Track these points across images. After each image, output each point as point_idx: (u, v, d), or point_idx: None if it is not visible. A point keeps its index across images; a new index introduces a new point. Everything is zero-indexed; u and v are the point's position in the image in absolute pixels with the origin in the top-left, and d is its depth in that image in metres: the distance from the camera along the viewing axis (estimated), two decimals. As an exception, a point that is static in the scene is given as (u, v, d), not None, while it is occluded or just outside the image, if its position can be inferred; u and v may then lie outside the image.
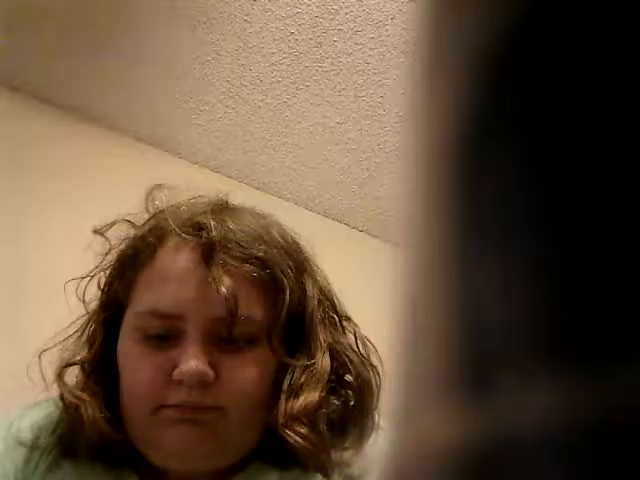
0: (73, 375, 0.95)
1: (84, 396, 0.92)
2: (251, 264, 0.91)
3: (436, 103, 0.22)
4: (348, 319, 0.99)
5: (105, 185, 2.27)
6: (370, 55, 2.04)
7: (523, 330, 0.18)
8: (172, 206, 0.98)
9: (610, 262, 0.18)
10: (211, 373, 0.87)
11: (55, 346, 0.96)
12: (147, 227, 0.96)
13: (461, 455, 0.19)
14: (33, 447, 0.93)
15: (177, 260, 0.91)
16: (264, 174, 2.40)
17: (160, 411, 0.88)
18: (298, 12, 1.99)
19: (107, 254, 0.98)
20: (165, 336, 0.89)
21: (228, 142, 2.35)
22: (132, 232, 0.98)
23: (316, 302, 0.95)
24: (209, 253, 0.90)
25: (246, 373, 0.89)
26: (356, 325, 0.99)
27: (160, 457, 0.90)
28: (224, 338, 0.89)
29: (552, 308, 0.18)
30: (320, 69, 2.11)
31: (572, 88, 0.19)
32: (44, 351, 0.95)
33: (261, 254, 0.92)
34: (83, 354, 0.95)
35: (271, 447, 0.92)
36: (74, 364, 0.95)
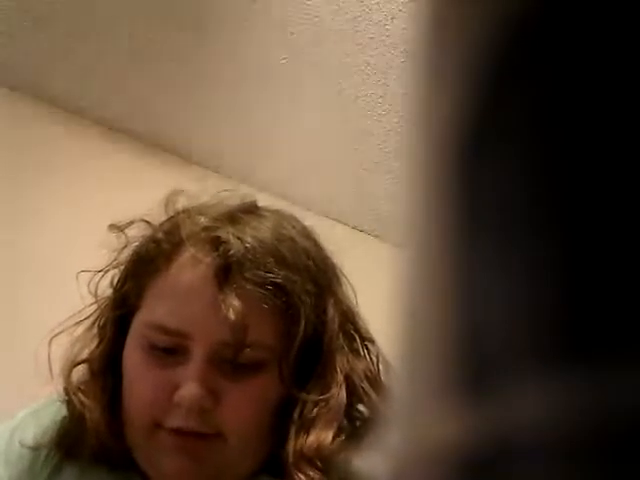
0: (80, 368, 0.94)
1: (89, 402, 0.90)
2: (267, 290, 0.87)
3: (437, 102, 0.22)
4: (372, 341, 0.95)
5: (105, 185, 2.27)
6: (370, 55, 2.04)
7: (523, 330, 0.18)
8: (191, 210, 0.94)
9: (611, 262, 0.18)
10: (210, 400, 0.85)
11: (64, 331, 0.94)
12: (164, 230, 0.93)
13: (461, 455, 0.19)
14: (35, 454, 0.92)
15: (191, 276, 0.88)
16: (264, 174, 2.40)
17: (157, 432, 0.87)
18: (298, 12, 1.98)
19: (121, 251, 0.95)
20: (171, 349, 0.88)
21: (228, 142, 2.35)
22: (148, 232, 0.95)
23: (336, 326, 0.91)
24: (224, 273, 0.87)
25: (248, 401, 0.87)
26: (379, 348, 0.94)
27: (155, 477, 0.89)
28: (229, 362, 0.87)
29: (552, 308, 0.18)
30: (320, 69, 2.11)
31: (574, 87, 0.19)
32: (54, 337, 0.93)
33: (279, 280, 0.87)
34: (92, 348, 0.94)
35: (278, 463, 0.90)
36: (82, 362, 0.93)
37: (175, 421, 0.86)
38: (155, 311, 0.89)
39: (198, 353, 0.86)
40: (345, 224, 2.49)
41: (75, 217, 2.22)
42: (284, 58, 2.09)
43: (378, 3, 1.93)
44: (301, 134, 2.29)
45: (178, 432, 0.86)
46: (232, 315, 0.85)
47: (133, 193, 2.22)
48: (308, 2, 1.96)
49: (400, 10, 1.91)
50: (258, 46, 2.08)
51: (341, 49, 2.05)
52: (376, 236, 2.47)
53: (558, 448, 0.18)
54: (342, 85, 2.13)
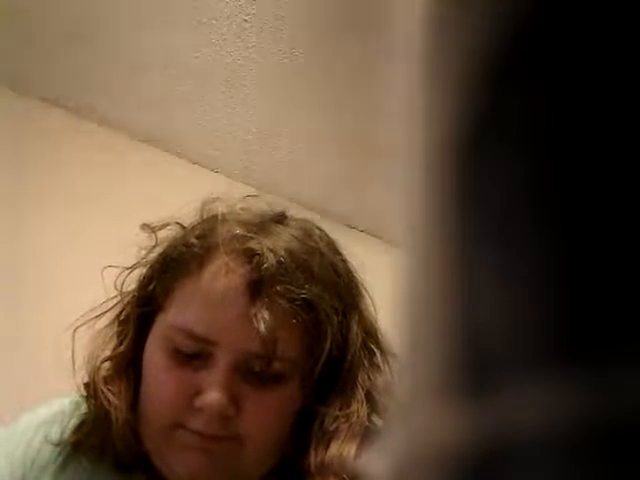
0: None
1: (116, 401, 0.90)
2: (297, 305, 0.88)
3: (437, 102, 0.22)
4: (393, 356, 0.94)
5: (105, 185, 2.27)
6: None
7: (524, 330, 0.18)
8: (223, 216, 0.94)
9: (611, 262, 0.18)
10: (232, 408, 0.86)
11: (87, 322, 0.94)
12: (196, 234, 0.93)
13: (461, 455, 0.19)
14: (51, 449, 0.93)
15: (223, 284, 0.88)
16: (264, 174, 2.40)
17: (176, 431, 0.87)
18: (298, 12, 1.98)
19: (151, 250, 0.95)
20: (194, 354, 0.88)
21: (228, 142, 2.35)
22: (178, 233, 0.95)
23: (359, 344, 0.92)
24: (256, 286, 0.87)
25: (269, 411, 0.88)
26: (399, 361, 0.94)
27: (170, 476, 0.89)
28: (253, 372, 0.87)
29: (553, 308, 0.18)
30: (320, 69, 2.11)
31: (574, 88, 0.19)
32: (77, 328, 0.94)
33: (309, 296, 0.88)
34: (114, 345, 0.94)
35: (287, 467, 0.91)
36: (109, 359, 0.94)
37: (196, 425, 0.86)
38: (183, 315, 0.89)
39: (223, 360, 0.87)
40: (345, 224, 2.49)
41: (75, 216, 2.22)
42: (284, 58, 2.09)
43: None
44: (301, 134, 2.29)
45: (197, 433, 0.87)
46: (263, 328, 0.85)
47: (133, 192, 2.22)
48: (308, 2, 1.96)
49: (400, 10, 1.91)
50: (258, 46, 2.08)
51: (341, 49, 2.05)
52: (376, 236, 2.48)
53: (558, 448, 0.18)
54: (342, 85, 2.13)
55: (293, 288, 0.88)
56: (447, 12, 0.22)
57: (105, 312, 0.96)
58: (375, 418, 0.92)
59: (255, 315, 0.85)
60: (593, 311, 0.18)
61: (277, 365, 0.88)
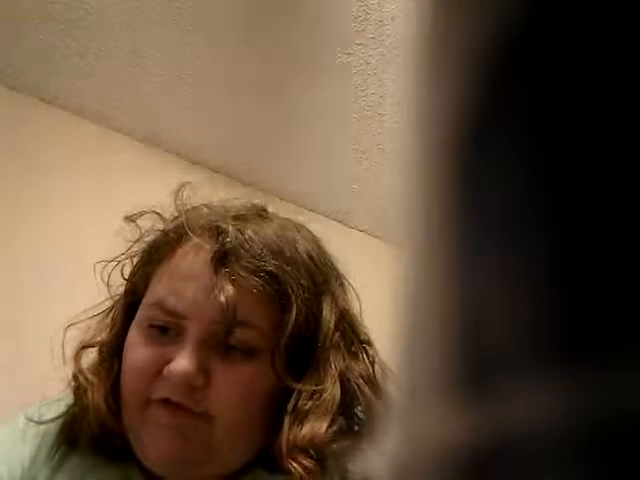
0: (90, 355, 0.97)
1: (94, 380, 0.93)
2: (259, 277, 0.90)
3: (436, 102, 0.22)
4: (369, 344, 0.97)
5: (104, 185, 2.27)
6: (370, 55, 2.04)
7: (524, 330, 0.18)
8: (200, 206, 0.99)
9: (611, 262, 0.18)
10: (200, 378, 0.88)
11: (82, 322, 0.97)
12: (173, 224, 0.98)
13: (461, 455, 0.19)
14: (42, 443, 0.94)
15: (191, 261, 0.93)
16: (264, 174, 2.40)
17: (148, 407, 0.89)
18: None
19: (135, 243, 0.99)
20: (168, 329, 0.91)
21: (228, 142, 2.35)
22: (160, 224, 0.99)
23: (332, 326, 0.93)
24: (220, 260, 0.91)
25: (238, 384, 0.89)
26: (377, 351, 0.96)
27: (144, 459, 0.90)
28: (222, 344, 0.89)
29: (553, 308, 0.18)
30: (320, 70, 2.11)
31: (574, 87, 0.19)
32: (70, 325, 0.97)
33: (272, 269, 0.91)
34: (103, 336, 0.97)
35: (271, 456, 0.91)
36: (92, 346, 0.97)
37: (163, 392, 0.88)
38: (155, 292, 0.93)
39: (192, 332, 0.89)
40: (345, 224, 2.49)
41: (74, 217, 2.22)
42: (284, 58, 2.10)
43: (378, 3, 1.93)
44: (301, 134, 2.29)
45: (166, 404, 0.88)
46: (222, 297, 0.88)
47: (133, 192, 2.22)
48: (308, 2, 1.96)
49: (400, 10, 1.91)
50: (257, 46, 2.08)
51: (341, 49, 2.05)
52: (376, 236, 2.48)
53: (558, 448, 0.18)
54: (342, 85, 2.13)
55: (256, 261, 0.91)
56: (446, 12, 0.22)
57: (99, 313, 0.98)
58: (353, 404, 0.93)
59: (217, 286, 0.89)
60: (593, 311, 0.18)
61: (242, 334, 0.90)
